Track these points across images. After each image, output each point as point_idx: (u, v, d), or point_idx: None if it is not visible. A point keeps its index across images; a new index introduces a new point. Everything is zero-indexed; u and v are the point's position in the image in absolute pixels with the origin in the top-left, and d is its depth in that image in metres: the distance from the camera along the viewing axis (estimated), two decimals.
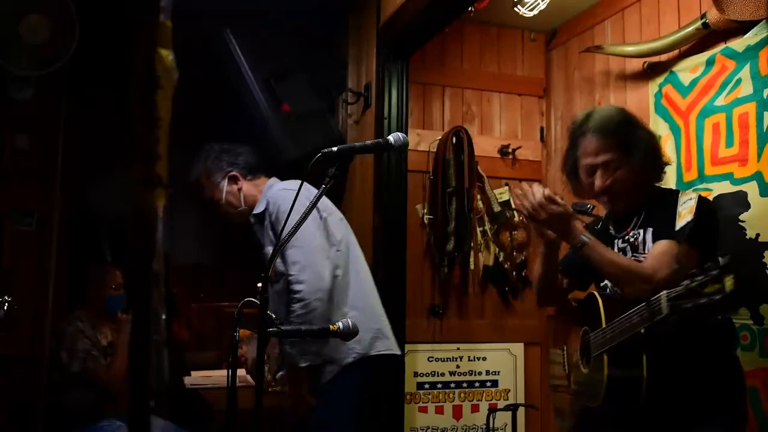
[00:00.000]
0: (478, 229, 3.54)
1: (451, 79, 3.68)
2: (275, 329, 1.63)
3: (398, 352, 2.54)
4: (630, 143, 1.90)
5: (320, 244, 2.39)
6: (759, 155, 2.45)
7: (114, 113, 2.25)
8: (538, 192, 1.82)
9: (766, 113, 2.44)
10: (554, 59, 3.81)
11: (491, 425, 3.31)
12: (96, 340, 3.04)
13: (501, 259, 3.62)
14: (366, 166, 3.17)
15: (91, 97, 3.38)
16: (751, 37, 2.51)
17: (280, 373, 2.64)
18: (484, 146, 3.64)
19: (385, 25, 3.08)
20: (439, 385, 3.48)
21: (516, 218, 3.67)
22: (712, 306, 1.46)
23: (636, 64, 3.13)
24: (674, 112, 2.84)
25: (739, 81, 2.54)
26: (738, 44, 2.56)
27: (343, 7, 3.55)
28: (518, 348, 3.64)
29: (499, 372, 3.59)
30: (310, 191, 2.42)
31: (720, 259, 1.58)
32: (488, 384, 3.57)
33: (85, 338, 3.00)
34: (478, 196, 3.55)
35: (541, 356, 3.66)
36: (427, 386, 3.46)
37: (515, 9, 3.25)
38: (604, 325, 1.79)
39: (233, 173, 2.64)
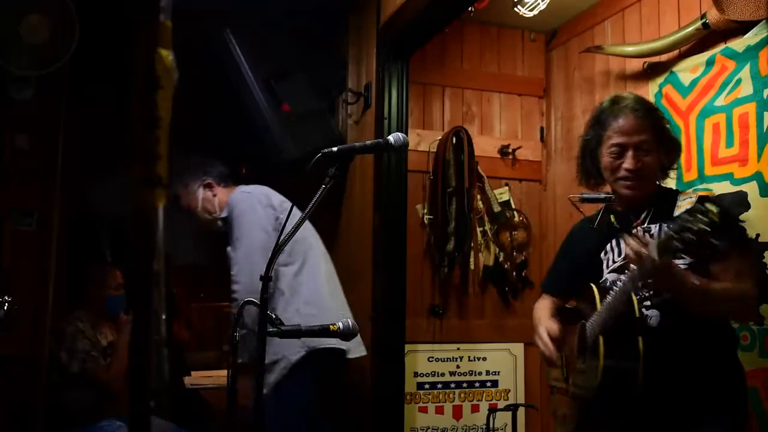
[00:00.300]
0: (478, 229, 3.54)
1: (451, 79, 3.68)
2: (275, 329, 1.63)
3: (344, 348, 2.58)
4: (662, 130, 1.90)
5: (261, 246, 2.49)
6: (759, 155, 2.45)
7: (114, 113, 2.25)
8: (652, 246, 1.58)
9: (766, 113, 2.44)
10: (554, 59, 3.81)
11: (491, 425, 3.31)
12: (96, 340, 3.04)
13: (501, 259, 3.62)
14: (366, 166, 3.17)
15: (91, 97, 3.38)
16: (751, 38, 2.51)
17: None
18: (484, 146, 3.64)
19: (385, 25, 3.08)
20: (439, 385, 3.49)
21: (516, 218, 3.68)
22: (701, 236, 1.45)
23: (636, 64, 3.13)
24: (674, 113, 2.84)
25: (739, 81, 2.54)
26: (738, 44, 2.56)
27: (343, 7, 3.54)
28: (518, 348, 3.64)
29: (499, 372, 3.59)
30: (268, 195, 2.61)
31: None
32: (488, 384, 3.57)
33: (85, 338, 3.00)
34: (478, 196, 3.55)
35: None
36: (427, 386, 3.46)
37: (515, 9, 3.25)
38: (599, 308, 1.80)
39: (208, 181, 2.79)
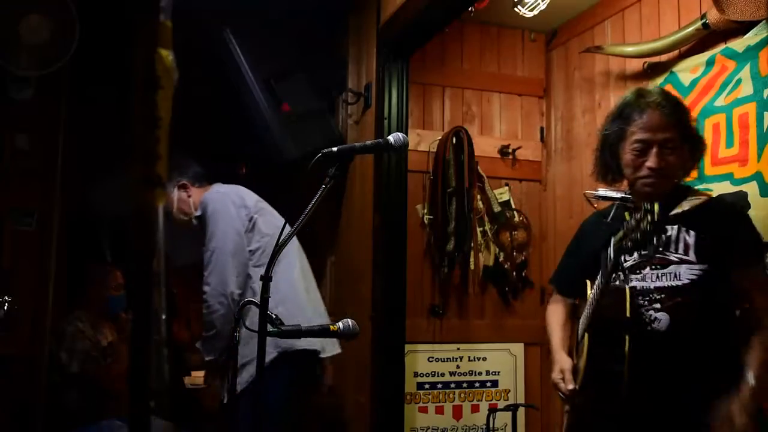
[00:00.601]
0: (478, 230, 3.54)
1: (451, 79, 3.68)
2: (276, 329, 1.63)
3: (318, 349, 2.62)
4: (688, 127, 1.83)
5: (233, 248, 2.54)
6: (759, 155, 2.45)
7: (114, 113, 2.25)
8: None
9: (766, 113, 2.44)
10: (554, 59, 3.81)
11: (491, 425, 3.31)
12: (96, 340, 3.04)
13: (501, 259, 3.62)
14: (366, 166, 3.17)
15: (91, 97, 3.38)
16: (751, 38, 2.51)
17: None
18: (484, 146, 3.64)
19: (385, 25, 3.08)
20: (439, 386, 3.48)
21: (516, 218, 3.68)
22: (648, 234, 1.49)
23: (636, 65, 3.13)
24: None
25: (739, 81, 2.54)
26: (738, 44, 2.56)
27: (343, 7, 3.54)
28: (518, 348, 3.64)
29: (499, 372, 3.59)
30: (242, 195, 2.64)
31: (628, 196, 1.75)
32: (488, 384, 3.57)
33: (85, 338, 3.00)
34: (478, 197, 3.55)
35: (541, 356, 3.66)
36: (427, 386, 3.46)
37: (515, 9, 3.25)
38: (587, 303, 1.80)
39: (183, 182, 2.79)
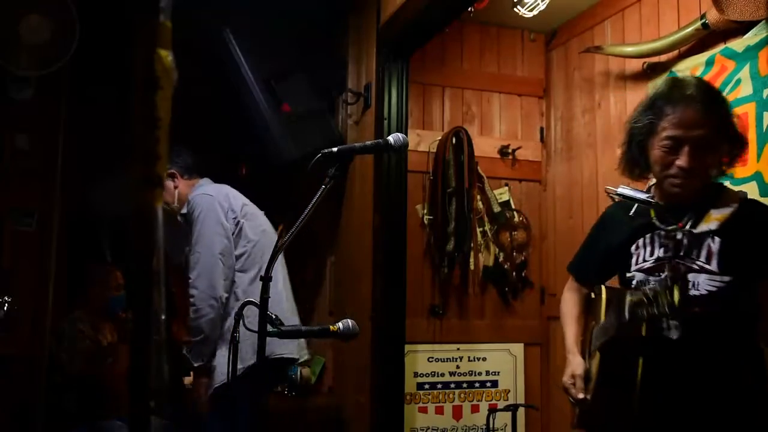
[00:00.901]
0: (478, 230, 3.54)
1: (451, 80, 3.68)
2: (276, 329, 1.63)
3: (296, 356, 2.64)
4: (726, 124, 1.66)
5: (220, 252, 2.53)
6: (759, 155, 2.45)
7: (114, 113, 2.25)
8: None
9: (765, 113, 2.44)
10: (554, 59, 3.81)
11: (491, 425, 3.31)
12: (96, 340, 3.04)
13: (501, 259, 3.62)
14: (366, 166, 3.17)
15: (91, 97, 3.38)
16: (751, 38, 2.51)
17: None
18: (484, 147, 3.64)
19: (385, 25, 3.08)
20: (439, 386, 3.48)
21: (516, 218, 3.68)
22: (662, 316, 1.44)
23: (636, 65, 3.13)
24: None
25: (738, 81, 2.54)
26: (738, 44, 2.56)
27: (343, 7, 3.54)
28: (518, 348, 3.64)
29: (499, 372, 3.59)
30: (229, 198, 2.63)
31: (666, 266, 1.59)
32: (488, 384, 3.57)
33: (85, 338, 3.00)
34: (478, 197, 3.55)
35: (541, 356, 3.66)
36: (427, 386, 3.46)
37: (515, 9, 3.25)
38: (602, 319, 1.72)
39: (171, 171, 2.75)
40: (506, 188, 3.69)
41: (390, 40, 3.10)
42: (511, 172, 3.73)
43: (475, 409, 3.53)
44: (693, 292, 1.63)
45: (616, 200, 1.82)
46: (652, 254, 1.72)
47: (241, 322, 1.88)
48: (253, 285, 2.56)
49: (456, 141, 3.50)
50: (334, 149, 1.70)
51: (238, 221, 2.62)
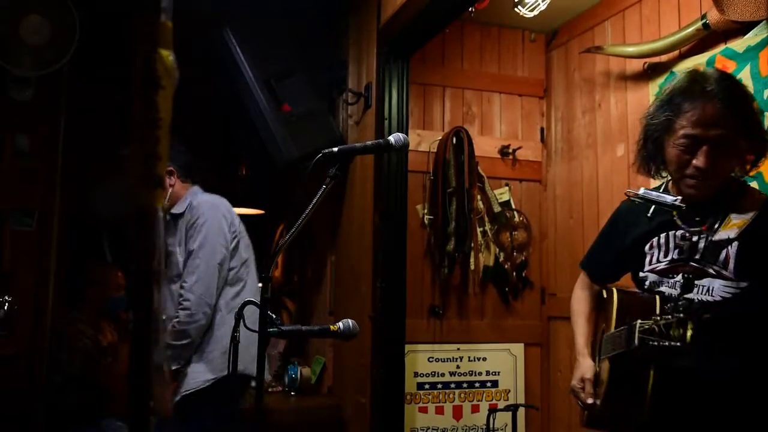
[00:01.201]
0: (479, 230, 3.54)
1: (451, 80, 3.68)
2: (275, 329, 1.63)
3: (253, 374, 2.57)
4: (749, 122, 1.57)
5: (219, 262, 2.57)
6: None
7: (114, 113, 2.25)
8: None
9: (766, 114, 2.43)
10: (554, 60, 3.81)
11: (491, 426, 3.31)
12: (96, 340, 3.04)
13: (501, 259, 3.62)
14: (366, 166, 3.17)
15: (92, 96, 3.38)
16: (752, 38, 2.51)
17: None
18: (485, 147, 3.64)
19: (385, 25, 3.08)
20: (439, 386, 3.48)
21: (516, 218, 3.68)
22: (672, 350, 1.38)
23: (636, 65, 3.13)
24: None
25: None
26: (738, 45, 2.56)
27: (343, 7, 3.55)
28: (518, 348, 3.64)
29: (499, 372, 3.59)
30: (230, 210, 2.70)
31: (685, 298, 1.52)
32: (488, 384, 3.57)
33: (85, 338, 3.00)
34: (479, 197, 3.55)
35: (541, 357, 3.66)
36: (427, 386, 3.46)
37: (515, 9, 3.25)
38: (612, 329, 1.67)
39: (170, 167, 2.74)
40: (506, 188, 3.69)
41: (390, 41, 3.10)
42: (511, 172, 3.73)
43: (475, 409, 3.53)
44: (706, 297, 1.57)
45: (637, 203, 1.74)
46: (666, 255, 1.66)
47: (241, 322, 1.87)
48: (236, 300, 2.59)
49: (456, 141, 3.50)
50: (335, 149, 1.70)
51: (236, 236, 2.68)
